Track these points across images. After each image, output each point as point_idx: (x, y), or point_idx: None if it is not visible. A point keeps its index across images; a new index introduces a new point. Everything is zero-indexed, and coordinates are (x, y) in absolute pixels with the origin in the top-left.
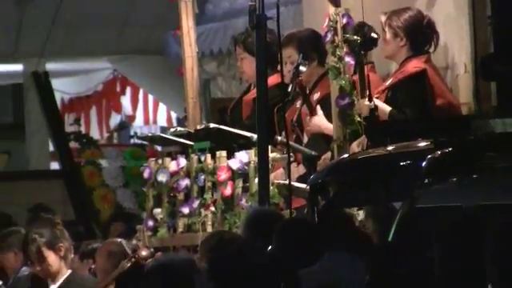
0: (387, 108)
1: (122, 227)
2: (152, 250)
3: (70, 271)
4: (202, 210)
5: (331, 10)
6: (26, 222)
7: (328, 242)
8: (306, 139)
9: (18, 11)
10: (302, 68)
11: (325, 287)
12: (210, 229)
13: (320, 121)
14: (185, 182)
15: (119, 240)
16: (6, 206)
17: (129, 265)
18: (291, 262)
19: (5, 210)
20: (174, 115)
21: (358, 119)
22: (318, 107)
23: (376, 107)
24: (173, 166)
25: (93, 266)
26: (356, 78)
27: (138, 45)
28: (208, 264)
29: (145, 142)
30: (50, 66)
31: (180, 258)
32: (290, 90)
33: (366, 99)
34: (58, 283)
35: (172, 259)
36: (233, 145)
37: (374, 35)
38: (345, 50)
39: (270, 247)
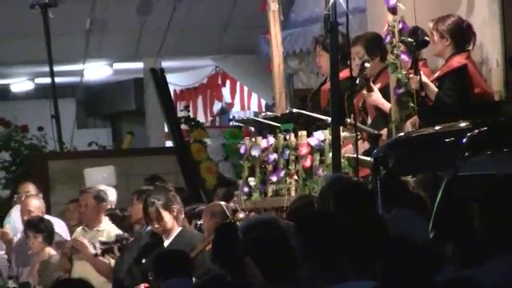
0: (435, 89)
1: (224, 192)
2: (247, 213)
3: (180, 228)
4: (287, 179)
5: (390, 17)
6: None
7: (391, 202)
8: (369, 121)
9: (139, 19)
10: (367, 65)
11: (395, 236)
12: (293, 193)
13: (377, 96)
14: (273, 156)
15: (221, 203)
16: (129, 176)
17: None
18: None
19: (129, 181)
20: (264, 102)
21: (412, 105)
22: (376, 87)
23: (422, 82)
24: (264, 143)
25: (198, 223)
26: (411, 71)
27: (236, 46)
28: (295, 221)
29: (241, 124)
30: (165, 64)
31: (265, 217)
32: (357, 82)
33: (417, 76)
34: (171, 238)
35: (260, 218)
36: (312, 126)
37: (426, 38)
38: (401, 49)
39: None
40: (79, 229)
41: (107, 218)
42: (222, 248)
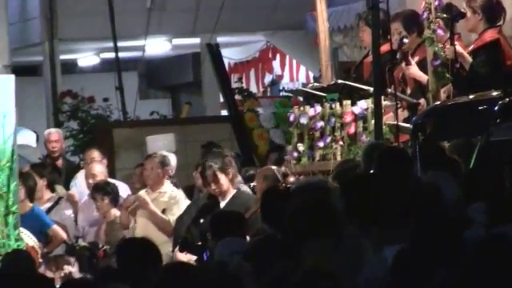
0: (470, 59)
1: (275, 157)
2: (297, 176)
3: (235, 190)
4: (333, 144)
5: None
6: (201, 155)
7: (428, 165)
8: (409, 91)
9: None
10: (405, 40)
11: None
12: (339, 158)
13: (414, 70)
14: (320, 124)
15: (272, 167)
16: (188, 143)
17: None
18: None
19: (187, 147)
20: (311, 74)
21: (447, 75)
22: (413, 61)
23: (457, 52)
24: (311, 111)
25: (252, 185)
26: (447, 43)
27: (285, 22)
28: (340, 184)
29: (290, 94)
30: (220, 39)
31: (316, 180)
32: (397, 56)
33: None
34: (227, 200)
35: (309, 181)
36: (355, 95)
37: (462, 10)
38: (437, 24)
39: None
40: (143, 191)
41: (169, 181)
42: (269, 209)
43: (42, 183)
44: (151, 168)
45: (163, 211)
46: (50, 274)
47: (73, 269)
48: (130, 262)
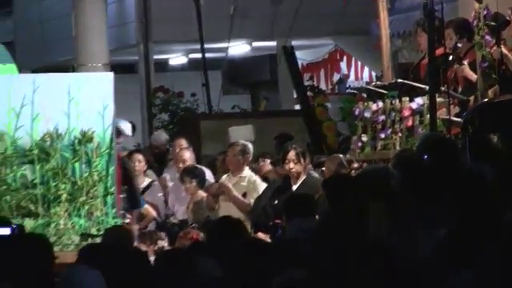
0: None
1: (342, 146)
2: (361, 163)
3: (305, 175)
4: (393, 135)
5: (476, 5)
6: (275, 145)
7: (477, 155)
8: (460, 89)
9: (273, 6)
10: (459, 45)
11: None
12: (398, 147)
13: (466, 69)
14: (381, 117)
15: (339, 155)
16: (265, 133)
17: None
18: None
19: (264, 138)
20: (374, 74)
21: (494, 76)
22: (465, 62)
23: (503, 53)
24: (374, 106)
25: (322, 169)
26: (494, 46)
27: (352, 28)
28: (398, 170)
29: (355, 91)
30: (294, 42)
31: (379, 167)
32: (450, 58)
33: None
34: (299, 183)
35: (373, 167)
36: (413, 93)
37: (507, 18)
38: (485, 31)
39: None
40: (225, 176)
41: (247, 167)
42: (333, 192)
43: (142, 166)
44: (233, 155)
45: (244, 195)
46: (144, 248)
47: (165, 243)
48: (217, 238)
